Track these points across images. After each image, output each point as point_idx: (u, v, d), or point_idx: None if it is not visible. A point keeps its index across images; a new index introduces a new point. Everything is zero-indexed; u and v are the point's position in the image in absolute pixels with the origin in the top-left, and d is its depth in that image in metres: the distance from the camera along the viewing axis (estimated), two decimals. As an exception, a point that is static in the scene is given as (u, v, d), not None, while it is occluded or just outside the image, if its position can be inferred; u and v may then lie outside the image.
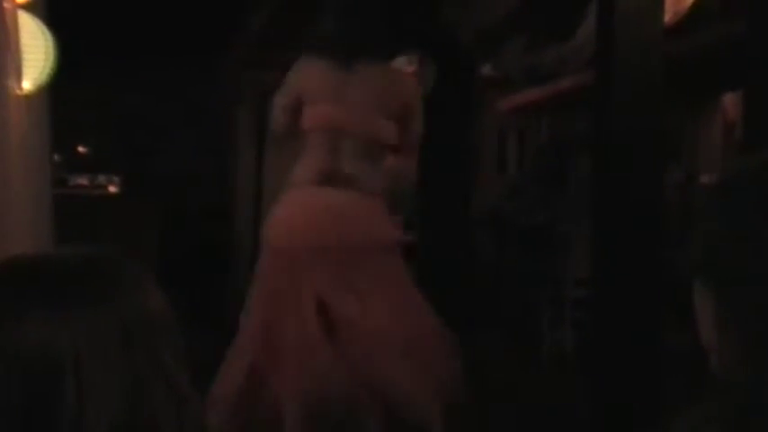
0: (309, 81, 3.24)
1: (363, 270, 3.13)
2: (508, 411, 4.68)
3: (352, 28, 3.16)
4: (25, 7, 3.26)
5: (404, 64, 8.08)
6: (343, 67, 3.18)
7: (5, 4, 3.04)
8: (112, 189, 7.94)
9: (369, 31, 3.17)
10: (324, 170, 3.16)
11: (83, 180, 7.85)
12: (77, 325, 0.80)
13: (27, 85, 3.24)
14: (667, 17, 3.86)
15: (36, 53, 3.26)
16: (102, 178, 7.89)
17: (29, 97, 3.29)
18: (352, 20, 3.16)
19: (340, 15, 3.20)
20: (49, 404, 0.78)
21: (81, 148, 8.69)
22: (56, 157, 7.17)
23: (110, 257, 0.87)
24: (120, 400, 0.79)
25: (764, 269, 0.75)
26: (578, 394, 3.93)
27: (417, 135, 3.32)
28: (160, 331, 0.85)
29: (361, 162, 3.17)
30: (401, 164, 3.32)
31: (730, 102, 7.43)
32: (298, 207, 3.18)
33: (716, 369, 0.79)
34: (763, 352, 0.74)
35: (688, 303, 0.87)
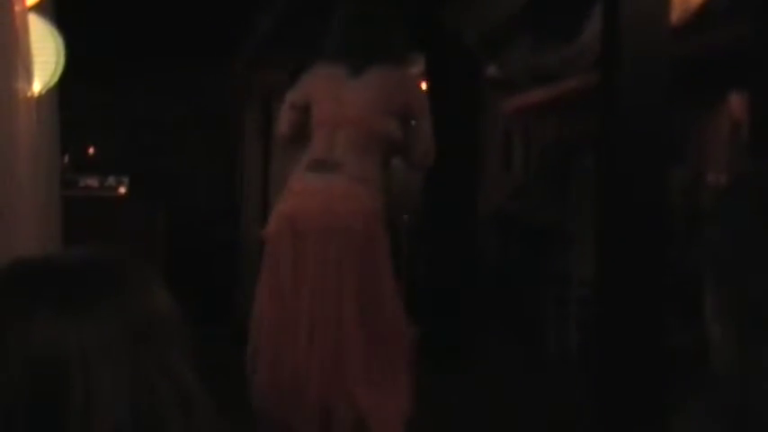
0: (317, 83, 3.37)
1: (342, 254, 3.20)
2: (512, 410, 4.68)
3: (362, 36, 3.26)
4: (35, 9, 3.28)
5: (408, 65, 8.10)
6: (352, 72, 3.28)
7: (15, 7, 3.05)
8: (122, 190, 7.95)
9: (379, 39, 3.26)
10: (317, 159, 3.27)
11: (92, 181, 7.86)
12: (85, 325, 0.80)
13: (37, 86, 3.26)
14: (674, 17, 3.86)
15: (46, 55, 3.28)
16: (111, 179, 7.90)
17: (39, 99, 3.30)
18: (362, 28, 3.27)
19: (351, 23, 3.31)
20: (57, 404, 0.78)
21: (90, 150, 8.71)
22: (65, 158, 7.18)
23: (117, 258, 0.88)
24: (127, 400, 0.80)
25: (763, 268, 0.77)
26: (582, 393, 3.94)
27: (420, 142, 3.33)
28: (167, 331, 0.85)
29: (355, 153, 3.25)
30: (408, 170, 3.39)
31: (736, 102, 7.41)
32: (287, 193, 3.31)
33: (717, 364, 0.80)
34: (759, 347, 0.76)
35: (692, 302, 0.88)
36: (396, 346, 3.31)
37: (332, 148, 3.28)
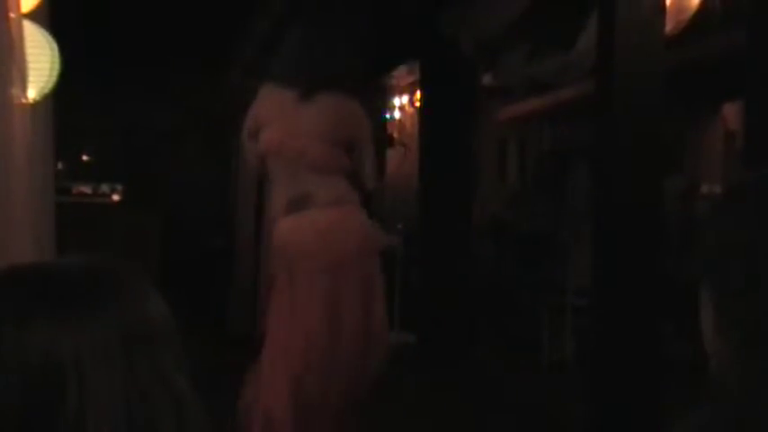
0: (265, 107, 3.36)
1: (341, 285, 3.24)
2: (508, 417, 4.68)
3: (314, 61, 3.25)
4: (30, 16, 3.27)
5: (404, 73, 8.12)
6: (300, 96, 3.26)
7: (10, 14, 3.05)
8: (115, 197, 7.94)
9: (330, 65, 3.24)
10: (290, 200, 3.29)
11: (86, 188, 7.85)
12: (79, 332, 0.81)
13: (32, 93, 3.25)
14: (668, 27, 3.87)
15: (41, 62, 3.27)
16: (105, 187, 7.89)
17: (34, 106, 3.29)
18: (311, 52, 3.25)
19: (300, 47, 3.29)
20: (51, 411, 0.78)
21: (85, 157, 8.70)
22: (60, 165, 7.18)
23: (111, 265, 0.88)
24: (121, 407, 0.80)
25: (761, 276, 0.77)
26: (578, 401, 3.93)
27: (365, 168, 3.37)
28: (161, 338, 0.85)
29: (320, 177, 3.27)
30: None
31: (731, 111, 7.44)
32: (279, 238, 3.34)
33: (714, 375, 0.80)
34: (758, 356, 0.76)
35: (688, 311, 0.88)
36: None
37: (297, 180, 3.29)
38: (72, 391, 0.79)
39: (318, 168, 3.26)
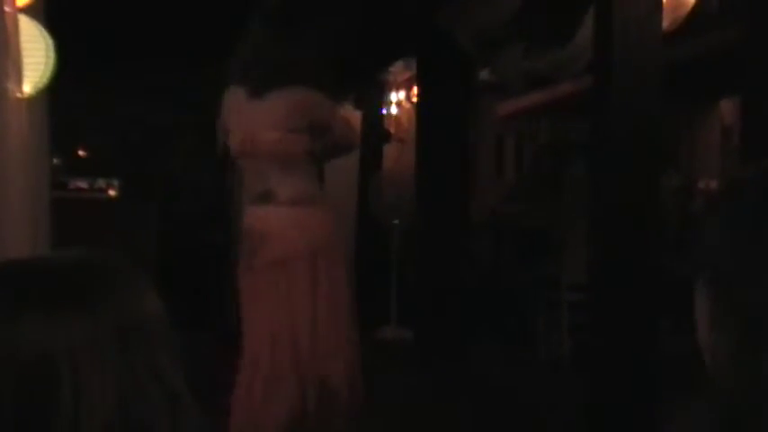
0: (229, 109, 3.43)
1: (291, 286, 3.28)
2: (505, 414, 4.68)
3: (262, 59, 3.31)
4: (25, 11, 3.26)
5: (401, 69, 8.11)
6: (256, 95, 3.32)
7: (6, 8, 3.04)
8: (112, 192, 7.94)
9: (280, 63, 3.30)
10: (255, 193, 3.38)
11: (82, 183, 7.84)
12: (73, 328, 0.80)
13: (27, 88, 3.24)
14: (666, 23, 3.87)
15: (36, 56, 3.26)
16: (101, 182, 7.88)
17: (29, 101, 3.29)
18: (263, 50, 3.31)
19: (255, 47, 3.35)
20: (45, 407, 0.78)
21: (81, 152, 8.69)
22: (55, 160, 7.16)
23: (106, 260, 0.87)
24: (116, 401, 0.79)
25: (759, 272, 0.77)
26: (575, 397, 3.94)
27: (334, 142, 3.43)
28: (156, 334, 0.85)
29: (284, 175, 3.33)
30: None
31: (727, 107, 7.45)
32: (246, 224, 3.43)
33: (710, 371, 0.80)
34: (755, 352, 0.75)
35: (684, 306, 0.88)
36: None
37: (261, 177, 3.36)
38: (66, 387, 0.78)
39: (277, 156, 3.30)
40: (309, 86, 3.30)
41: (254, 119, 3.31)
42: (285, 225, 3.31)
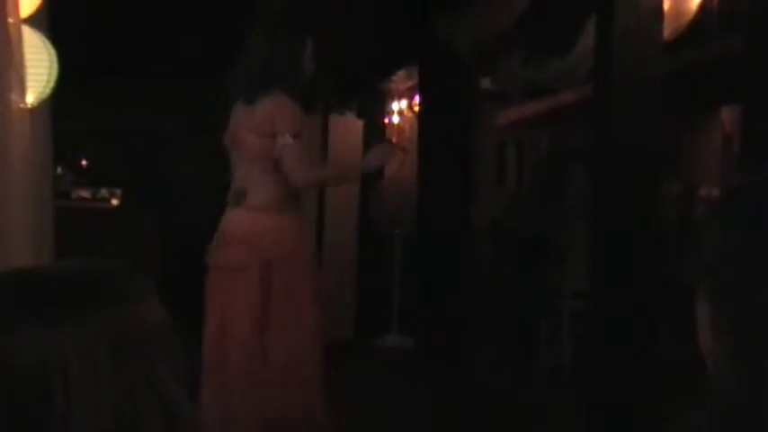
0: (232, 115, 3.58)
1: (243, 292, 3.30)
2: (506, 422, 4.68)
3: (251, 70, 3.43)
4: (28, 21, 3.28)
5: (402, 77, 8.13)
6: (245, 103, 3.45)
7: (9, 19, 3.05)
8: (114, 202, 7.94)
9: (265, 71, 3.39)
10: (232, 191, 3.48)
11: (85, 193, 7.84)
12: (69, 339, 0.80)
13: (30, 98, 3.25)
14: (666, 32, 3.88)
15: (39, 67, 3.27)
16: (104, 191, 7.88)
17: (32, 111, 3.29)
18: (252, 62, 3.43)
19: (244, 59, 3.48)
20: (38, 417, 0.78)
21: (83, 162, 8.69)
22: (59, 170, 7.17)
23: (108, 271, 0.87)
24: (108, 413, 0.79)
25: (760, 279, 0.77)
26: (576, 406, 3.93)
27: (283, 145, 3.41)
28: (155, 345, 0.84)
29: (256, 178, 3.41)
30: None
31: (728, 115, 7.45)
32: (220, 227, 3.52)
33: (711, 376, 0.80)
34: (756, 360, 0.76)
35: (685, 314, 0.88)
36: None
37: (241, 176, 3.45)
38: (58, 397, 0.78)
39: (252, 157, 3.40)
40: (287, 93, 3.36)
41: (240, 119, 3.45)
42: (244, 230, 3.37)
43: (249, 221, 3.37)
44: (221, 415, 3.17)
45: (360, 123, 7.85)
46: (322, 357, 3.34)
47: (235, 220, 3.41)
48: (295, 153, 3.36)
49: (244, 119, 3.43)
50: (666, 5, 3.92)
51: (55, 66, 3.32)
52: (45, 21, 3.47)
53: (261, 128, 3.37)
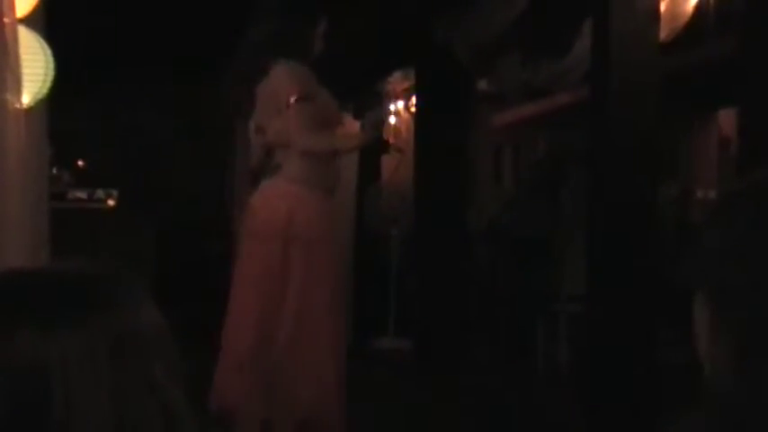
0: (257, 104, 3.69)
1: (294, 260, 3.37)
2: (503, 425, 4.67)
3: (256, 45, 3.57)
4: (24, 21, 3.27)
5: (399, 79, 8.13)
6: (260, 78, 3.53)
7: (5, 19, 3.05)
8: (111, 203, 7.94)
9: (271, 44, 3.50)
10: (272, 167, 3.53)
11: (81, 194, 7.84)
12: (66, 339, 0.80)
13: (26, 99, 3.24)
14: (663, 34, 3.88)
15: (35, 67, 3.27)
16: (100, 192, 7.88)
17: (28, 111, 3.29)
18: (258, 36, 3.57)
19: (252, 33, 3.63)
20: (37, 419, 0.77)
21: (80, 162, 8.70)
22: (54, 170, 7.16)
23: (104, 272, 0.87)
24: (109, 415, 0.79)
25: (759, 283, 0.77)
26: (573, 408, 3.93)
27: (278, 128, 3.48)
28: (153, 346, 0.84)
29: (287, 152, 3.46)
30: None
31: (725, 118, 7.45)
32: (251, 202, 3.59)
33: (709, 381, 0.80)
34: (755, 363, 0.76)
35: (682, 317, 0.88)
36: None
37: (277, 153, 3.52)
38: (57, 400, 0.78)
39: (278, 142, 3.48)
40: (293, 59, 3.42)
41: (258, 107, 3.53)
42: (269, 199, 3.42)
43: (275, 190, 3.43)
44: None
45: (356, 124, 7.85)
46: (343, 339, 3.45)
47: (265, 190, 3.46)
48: (299, 116, 3.37)
49: (260, 103, 3.47)
50: (663, 7, 3.92)
51: (51, 66, 3.31)
52: (41, 21, 3.47)
53: (273, 101, 3.39)
